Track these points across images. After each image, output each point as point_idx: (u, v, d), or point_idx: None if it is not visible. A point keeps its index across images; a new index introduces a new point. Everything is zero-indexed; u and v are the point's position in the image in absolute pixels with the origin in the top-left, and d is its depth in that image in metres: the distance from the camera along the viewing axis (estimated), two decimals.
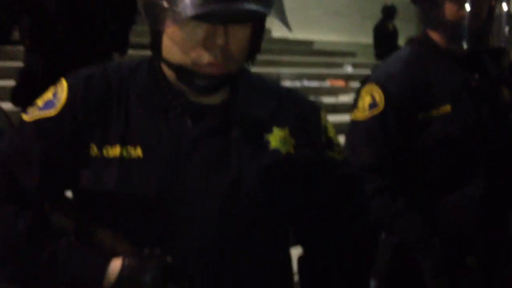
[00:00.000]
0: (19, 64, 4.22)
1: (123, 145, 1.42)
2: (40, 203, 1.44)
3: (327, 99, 9.16)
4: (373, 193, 2.13)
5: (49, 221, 1.42)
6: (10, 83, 3.99)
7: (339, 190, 1.58)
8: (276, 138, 1.49)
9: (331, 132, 1.58)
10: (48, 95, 1.47)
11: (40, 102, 1.47)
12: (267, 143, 1.48)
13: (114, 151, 1.41)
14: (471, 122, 2.24)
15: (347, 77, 10.69)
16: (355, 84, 9.20)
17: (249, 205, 1.43)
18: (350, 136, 2.31)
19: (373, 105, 2.22)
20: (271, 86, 1.59)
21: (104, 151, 1.42)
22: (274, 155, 1.48)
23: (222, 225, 1.41)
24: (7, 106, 3.91)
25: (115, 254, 1.38)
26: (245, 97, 1.50)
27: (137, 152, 1.41)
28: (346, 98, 9.28)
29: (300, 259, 1.60)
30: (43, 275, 1.38)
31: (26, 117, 1.46)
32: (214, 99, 1.47)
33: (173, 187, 1.41)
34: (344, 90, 10.02)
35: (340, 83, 10.37)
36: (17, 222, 1.38)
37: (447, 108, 2.22)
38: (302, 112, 1.55)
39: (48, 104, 1.45)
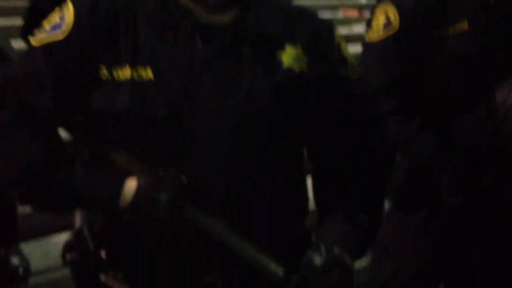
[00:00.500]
0: (26, 2, 4.20)
1: (133, 65, 1.40)
2: (53, 127, 1.44)
3: (341, 30, 9.00)
4: (388, 114, 2.11)
5: (63, 144, 1.42)
6: (19, 21, 3.99)
7: (353, 108, 1.56)
8: (289, 55, 1.46)
9: (345, 49, 1.55)
10: (55, 18, 1.45)
11: (47, 25, 1.45)
12: (279, 61, 1.46)
13: (125, 73, 1.40)
14: (488, 41, 2.20)
15: (361, 7, 10.52)
16: (369, 15, 9.05)
17: (262, 123, 1.42)
18: (364, 58, 2.27)
19: (387, 24, 2.18)
20: (282, 4, 1.55)
21: (115, 73, 1.40)
22: (287, 73, 1.45)
23: (234, 143, 1.40)
24: (18, 44, 3.90)
25: (130, 175, 1.38)
26: (256, 15, 1.47)
27: (148, 73, 1.40)
28: (360, 29, 9.14)
29: (314, 176, 1.59)
30: (57, 197, 1.39)
31: (34, 42, 1.45)
32: (224, 18, 1.44)
33: (185, 106, 1.39)
34: (358, 20, 9.88)
35: (353, 13, 10.22)
36: (31, 144, 1.38)
37: (464, 25, 2.18)
38: (314, 29, 1.52)
39: (56, 28, 1.43)
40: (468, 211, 2.23)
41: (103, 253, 1.51)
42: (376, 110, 1.63)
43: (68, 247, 1.56)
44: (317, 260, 1.33)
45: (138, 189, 1.35)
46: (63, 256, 1.57)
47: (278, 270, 1.33)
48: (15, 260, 2.65)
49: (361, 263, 1.72)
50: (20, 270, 2.64)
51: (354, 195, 1.53)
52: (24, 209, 3.50)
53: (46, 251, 3.30)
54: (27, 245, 3.17)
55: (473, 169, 2.19)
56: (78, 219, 1.57)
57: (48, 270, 3.18)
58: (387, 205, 2.42)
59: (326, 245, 1.37)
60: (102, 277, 1.51)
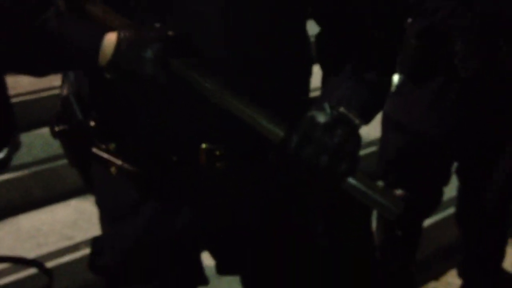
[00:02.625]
0: None
1: None
2: None
3: None
4: None
5: None
6: None
7: None
8: None
9: None
10: None
11: None
12: None
13: None
14: None
15: None
16: None
17: None
18: None
19: None
20: None
21: None
22: None
23: None
24: None
25: (110, 30, 1.24)
26: None
27: None
28: None
29: (319, 37, 1.45)
30: (31, 51, 1.25)
31: None
32: None
33: None
34: None
35: None
36: None
37: None
38: None
39: None
40: (484, 78, 2.10)
41: (92, 123, 1.40)
42: None
43: (55, 119, 1.46)
44: (320, 117, 1.19)
45: (119, 44, 1.21)
46: (51, 129, 1.47)
47: (278, 129, 1.21)
48: None
49: None
50: None
51: (362, 52, 1.38)
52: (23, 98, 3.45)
53: (47, 140, 3.22)
54: (27, 134, 3.10)
55: (489, 32, 2.05)
56: (65, 87, 1.44)
57: (50, 159, 3.11)
58: (396, 78, 2.30)
59: (330, 103, 1.23)
60: (94, 150, 1.41)
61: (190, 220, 1.40)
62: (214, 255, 1.50)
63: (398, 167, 2.35)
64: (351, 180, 1.19)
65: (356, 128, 1.23)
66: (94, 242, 1.51)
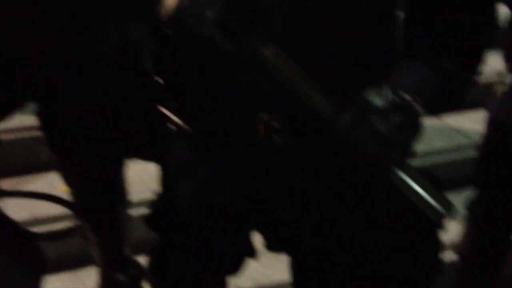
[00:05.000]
0: None
1: None
2: None
3: None
4: None
5: None
6: None
7: None
8: None
9: None
10: None
11: None
12: None
13: None
14: None
15: None
16: None
17: None
18: None
19: None
20: None
21: None
22: None
23: None
24: None
25: None
26: None
27: None
28: None
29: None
30: None
31: None
32: None
33: None
34: None
35: None
36: None
37: None
38: None
39: None
40: None
41: (160, 80, 1.39)
42: None
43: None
44: (377, 101, 1.11)
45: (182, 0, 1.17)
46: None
47: (329, 107, 1.15)
48: None
49: None
50: None
51: (443, 38, 1.26)
52: None
53: None
54: None
55: None
56: None
57: None
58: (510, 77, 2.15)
59: (394, 88, 1.14)
60: (158, 106, 1.41)
61: (241, 190, 1.38)
62: (262, 230, 1.47)
63: (500, 174, 2.20)
64: (399, 172, 1.12)
65: (417, 118, 1.15)
66: (153, 201, 1.51)
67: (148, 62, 1.43)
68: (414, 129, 1.14)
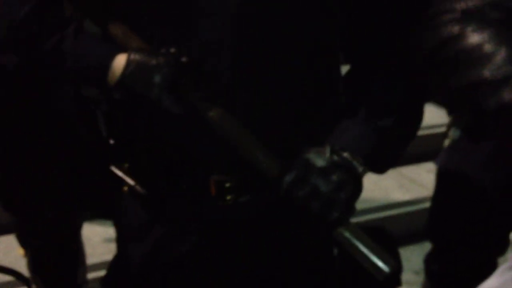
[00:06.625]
0: None
1: None
2: None
3: None
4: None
5: (58, 10, 1.28)
6: None
7: None
8: None
9: None
10: None
11: None
12: None
13: None
14: None
15: None
16: None
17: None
18: None
19: None
20: None
21: None
22: None
23: (240, 18, 1.21)
24: None
25: (126, 50, 1.23)
26: None
27: None
28: None
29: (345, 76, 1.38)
30: (46, 63, 1.26)
31: None
32: None
33: None
34: None
35: None
36: (19, 7, 1.24)
37: None
38: None
39: None
40: None
41: (111, 141, 1.40)
42: None
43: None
44: (317, 160, 1.14)
45: (128, 65, 1.20)
46: None
47: (275, 166, 1.18)
48: None
49: None
50: None
51: (380, 96, 1.28)
52: None
53: None
54: None
55: None
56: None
57: None
58: (456, 133, 2.19)
59: (334, 147, 1.18)
60: (111, 167, 1.41)
61: (196, 248, 1.38)
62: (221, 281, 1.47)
63: (453, 224, 2.22)
64: (341, 230, 1.14)
65: (357, 177, 1.18)
66: (109, 263, 1.51)
67: (101, 121, 1.44)
68: (354, 187, 1.17)
